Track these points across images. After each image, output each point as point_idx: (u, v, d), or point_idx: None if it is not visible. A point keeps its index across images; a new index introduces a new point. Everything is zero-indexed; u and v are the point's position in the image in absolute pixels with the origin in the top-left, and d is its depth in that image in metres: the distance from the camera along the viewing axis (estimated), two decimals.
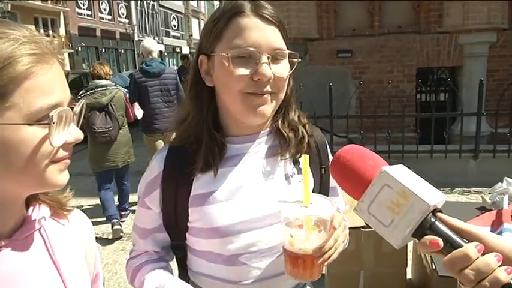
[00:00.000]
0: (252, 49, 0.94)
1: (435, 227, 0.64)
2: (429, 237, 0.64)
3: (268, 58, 0.95)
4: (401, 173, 0.68)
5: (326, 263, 0.95)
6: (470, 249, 0.60)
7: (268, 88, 0.97)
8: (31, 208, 0.76)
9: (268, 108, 1.00)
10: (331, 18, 7.38)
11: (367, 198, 0.68)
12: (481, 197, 3.03)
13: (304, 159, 0.96)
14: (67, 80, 0.73)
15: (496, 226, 1.98)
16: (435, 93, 7.61)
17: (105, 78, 4.62)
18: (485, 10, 6.61)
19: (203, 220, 1.03)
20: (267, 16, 0.97)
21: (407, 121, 5.67)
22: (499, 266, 0.59)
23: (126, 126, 4.79)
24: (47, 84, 0.65)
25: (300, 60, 1.04)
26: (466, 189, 5.44)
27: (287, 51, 1.00)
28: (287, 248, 0.95)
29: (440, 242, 0.63)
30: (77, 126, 0.74)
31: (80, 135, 0.71)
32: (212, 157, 1.03)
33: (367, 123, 5.71)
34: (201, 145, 1.04)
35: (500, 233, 1.88)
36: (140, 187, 1.12)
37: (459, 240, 0.63)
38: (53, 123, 0.64)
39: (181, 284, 1.01)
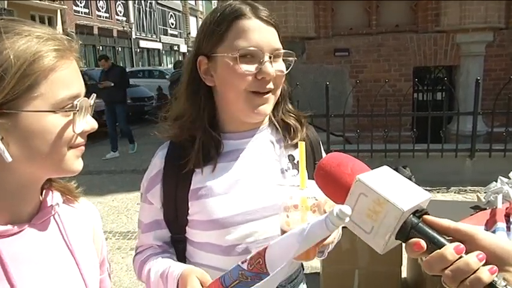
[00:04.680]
0: (255, 49, 1.00)
1: (418, 229, 0.64)
2: (412, 240, 0.63)
3: (270, 57, 1.02)
4: (378, 179, 0.68)
5: (321, 245, 0.96)
6: (447, 250, 0.59)
7: (270, 85, 1.04)
8: (45, 194, 0.82)
9: (268, 107, 1.07)
10: (329, 17, 7.38)
11: None
12: (477, 196, 3.04)
13: (301, 145, 1.00)
14: None
15: (490, 225, 1.99)
16: (432, 92, 7.63)
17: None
18: (482, 9, 6.62)
19: (202, 212, 1.07)
20: (266, 18, 1.04)
21: (403, 120, 5.68)
22: (484, 265, 0.58)
23: None
24: (68, 77, 0.72)
25: (296, 59, 1.10)
26: (462, 188, 5.45)
27: (283, 51, 1.06)
28: (284, 228, 0.98)
29: (423, 243, 0.62)
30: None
31: (94, 124, 0.77)
32: (207, 153, 1.07)
33: (363, 122, 5.72)
34: (196, 142, 1.08)
35: (493, 232, 1.88)
36: (143, 183, 1.16)
37: (442, 240, 0.62)
38: (77, 111, 0.72)
39: (184, 265, 1.05)
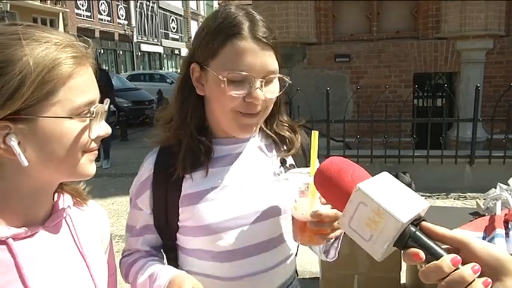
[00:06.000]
0: (246, 74, 0.96)
1: (415, 238, 0.65)
2: (411, 251, 0.64)
3: (261, 82, 0.98)
4: (378, 188, 0.68)
5: (321, 233, 0.97)
6: (444, 262, 0.60)
7: (258, 108, 1.01)
8: (57, 197, 0.83)
9: (256, 125, 1.05)
10: (330, 23, 7.42)
11: (347, 214, 0.69)
12: (476, 202, 3.04)
13: (314, 134, 1.01)
14: None
15: (489, 231, 2.00)
16: (432, 99, 7.66)
17: None
18: (482, 17, 6.66)
19: (193, 218, 1.06)
20: (264, 39, 0.98)
21: (403, 126, 5.70)
22: (480, 276, 0.59)
23: None
24: (85, 83, 0.74)
25: (290, 82, 1.06)
26: (461, 194, 5.46)
27: (278, 75, 1.02)
28: (292, 213, 1.02)
29: (422, 254, 0.63)
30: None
31: (108, 129, 0.80)
32: (197, 159, 1.06)
33: (364, 128, 5.74)
34: (182, 147, 1.07)
35: (492, 239, 1.89)
36: (132, 189, 1.15)
37: (439, 251, 0.63)
38: (93, 117, 0.74)
39: (174, 269, 1.05)
